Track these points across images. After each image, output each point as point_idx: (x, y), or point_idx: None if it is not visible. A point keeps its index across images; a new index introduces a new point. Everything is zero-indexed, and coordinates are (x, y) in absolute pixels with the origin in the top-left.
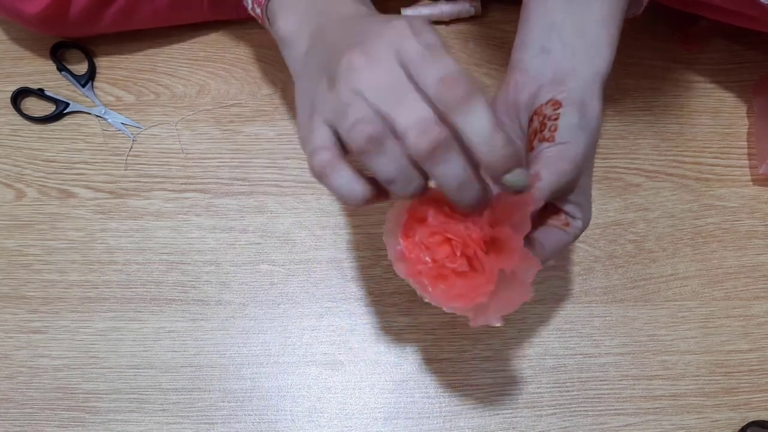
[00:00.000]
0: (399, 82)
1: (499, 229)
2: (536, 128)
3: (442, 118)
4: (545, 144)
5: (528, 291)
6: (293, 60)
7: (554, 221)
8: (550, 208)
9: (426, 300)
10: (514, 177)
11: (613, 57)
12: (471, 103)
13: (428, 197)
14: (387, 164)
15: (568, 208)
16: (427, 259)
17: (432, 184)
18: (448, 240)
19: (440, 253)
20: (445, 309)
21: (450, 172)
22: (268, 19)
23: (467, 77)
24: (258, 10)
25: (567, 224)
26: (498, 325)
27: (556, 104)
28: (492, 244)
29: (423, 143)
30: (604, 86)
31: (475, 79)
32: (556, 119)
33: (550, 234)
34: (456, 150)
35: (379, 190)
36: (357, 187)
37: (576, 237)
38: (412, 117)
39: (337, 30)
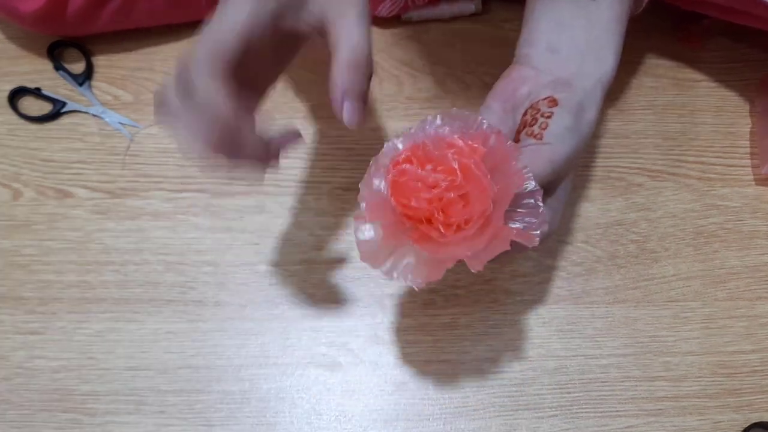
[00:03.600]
0: None
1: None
2: (527, 121)
3: None
4: (531, 140)
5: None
6: None
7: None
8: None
9: (424, 256)
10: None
11: (617, 63)
12: None
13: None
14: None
15: None
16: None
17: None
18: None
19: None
20: (448, 255)
21: None
22: None
23: None
24: None
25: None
26: (479, 269)
27: (553, 102)
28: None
29: None
30: (605, 93)
31: None
32: (548, 117)
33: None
34: None
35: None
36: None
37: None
38: None
39: None
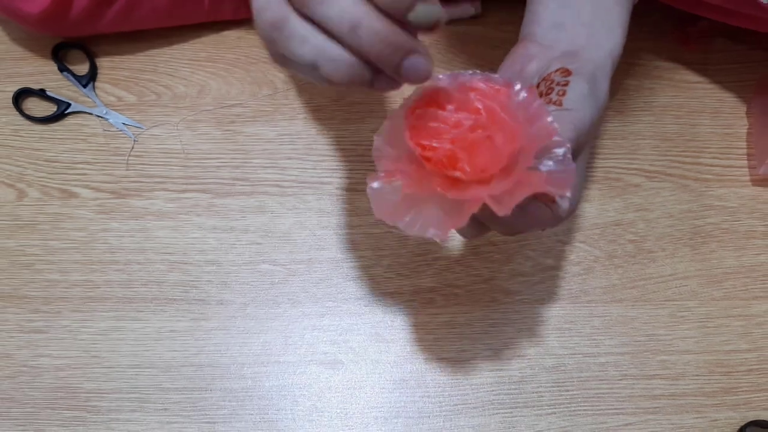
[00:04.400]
0: None
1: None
2: (542, 92)
3: None
4: (552, 107)
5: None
6: None
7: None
8: None
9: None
10: (419, 12)
11: (624, 39)
12: None
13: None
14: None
15: None
16: (443, 129)
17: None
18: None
19: (459, 123)
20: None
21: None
22: None
23: None
24: None
25: (553, 201)
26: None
27: (566, 72)
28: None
29: None
30: (614, 68)
31: None
32: (565, 85)
33: (532, 207)
34: None
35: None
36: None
37: (559, 220)
38: None
39: None
